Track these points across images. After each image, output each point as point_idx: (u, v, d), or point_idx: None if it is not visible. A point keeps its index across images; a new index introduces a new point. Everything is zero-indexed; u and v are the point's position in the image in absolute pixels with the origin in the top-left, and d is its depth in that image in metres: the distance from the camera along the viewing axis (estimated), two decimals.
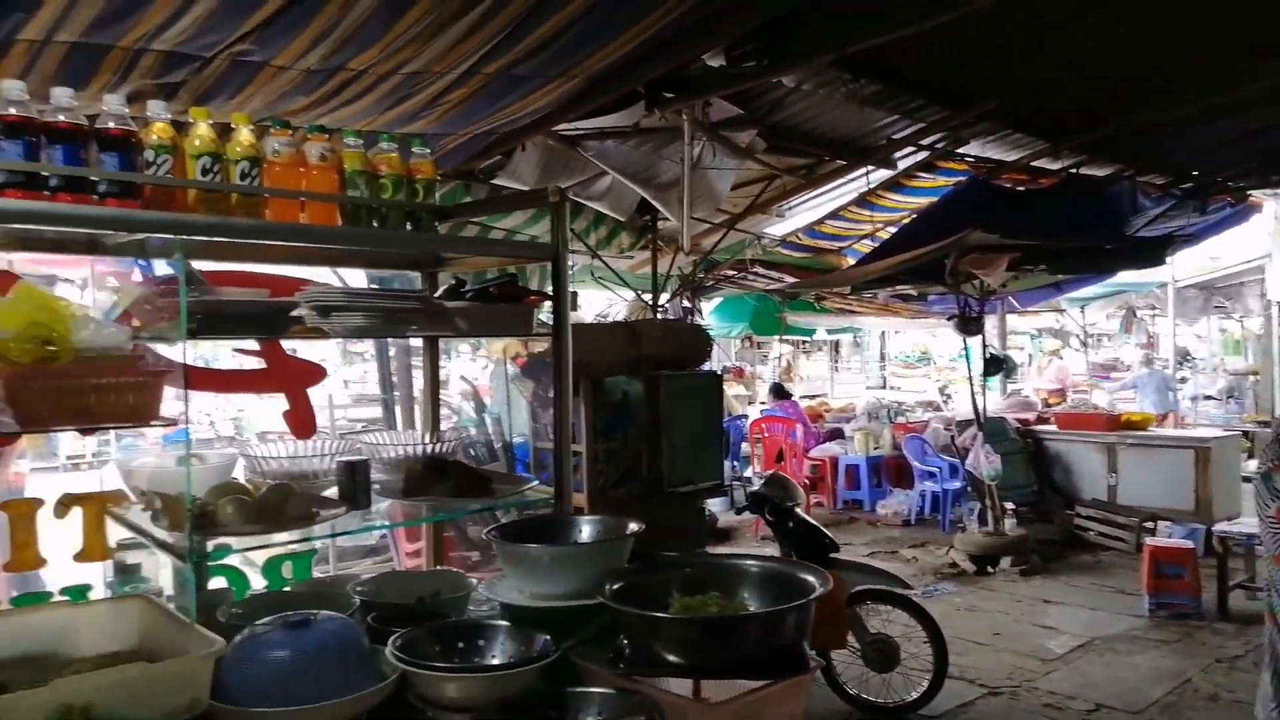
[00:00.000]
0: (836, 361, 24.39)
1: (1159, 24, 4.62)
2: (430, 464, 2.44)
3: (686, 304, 8.90)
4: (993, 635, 6.14)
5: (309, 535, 2.21)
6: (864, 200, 7.76)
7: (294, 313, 2.17)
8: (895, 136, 6.12)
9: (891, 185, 7.43)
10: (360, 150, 2.49)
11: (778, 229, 8.59)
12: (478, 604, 2.40)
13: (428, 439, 2.58)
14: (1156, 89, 5.49)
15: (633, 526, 2.31)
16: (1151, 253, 7.94)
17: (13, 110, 1.98)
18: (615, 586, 2.06)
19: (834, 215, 8.23)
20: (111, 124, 2.09)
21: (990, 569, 7.62)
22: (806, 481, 9.64)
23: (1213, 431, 9.47)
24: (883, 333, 22.90)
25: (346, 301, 2.17)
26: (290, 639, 1.82)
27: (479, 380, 8.91)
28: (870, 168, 6.62)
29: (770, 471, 8.55)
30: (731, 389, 13.92)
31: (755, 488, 6.10)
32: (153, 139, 2.14)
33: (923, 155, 6.64)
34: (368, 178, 2.48)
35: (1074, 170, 7.04)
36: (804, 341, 20.37)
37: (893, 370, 24.55)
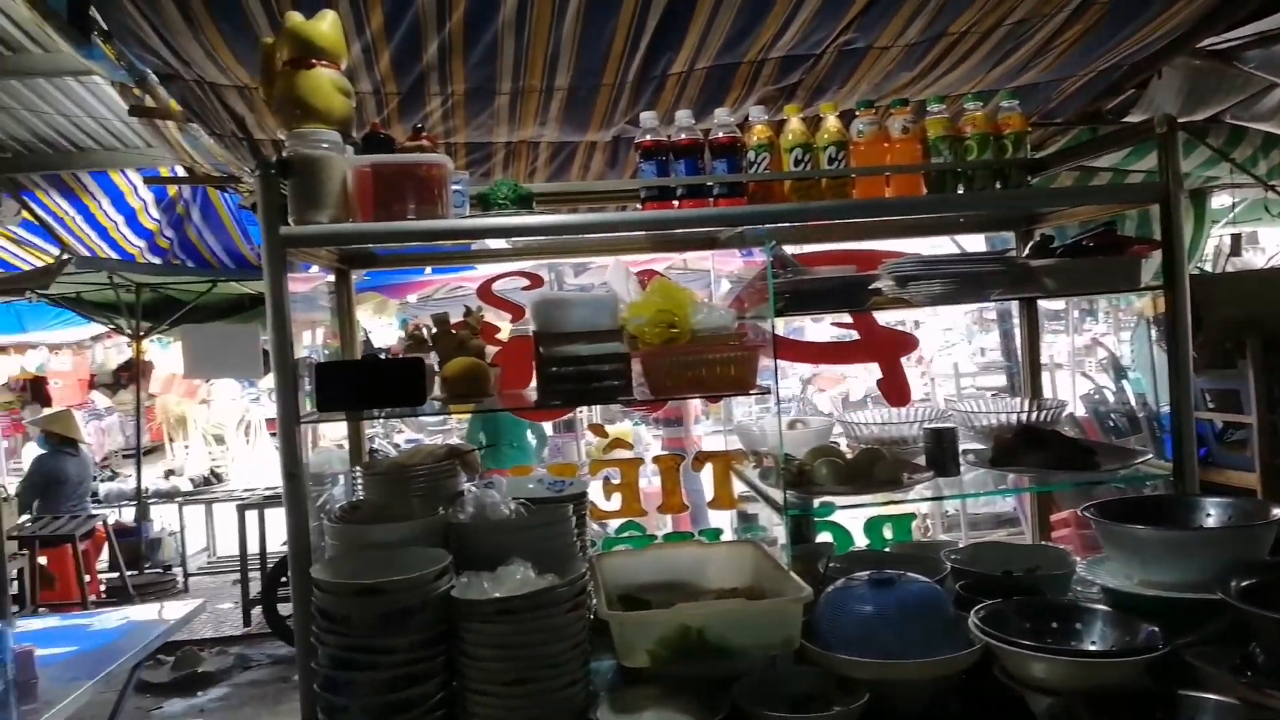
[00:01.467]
0: None
1: None
2: (1022, 433, 2.32)
3: None
4: None
5: (899, 499, 2.28)
6: None
7: (873, 285, 2.26)
8: None
9: None
10: (943, 116, 2.46)
11: None
12: (1088, 585, 2.23)
13: (1025, 406, 2.46)
14: None
15: (1276, 513, 1.91)
16: None
17: (648, 137, 2.41)
18: (1245, 583, 1.74)
19: None
20: (720, 134, 2.41)
21: None
22: None
23: None
24: None
25: (921, 270, 2.19)
26: (874, 595, 1.93)
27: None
28: None
29: None
30: None
31: None
32: (753, 140, 2.41)
33: None
34: (951, 142, 2.45)
35: None
36: None
37: None
